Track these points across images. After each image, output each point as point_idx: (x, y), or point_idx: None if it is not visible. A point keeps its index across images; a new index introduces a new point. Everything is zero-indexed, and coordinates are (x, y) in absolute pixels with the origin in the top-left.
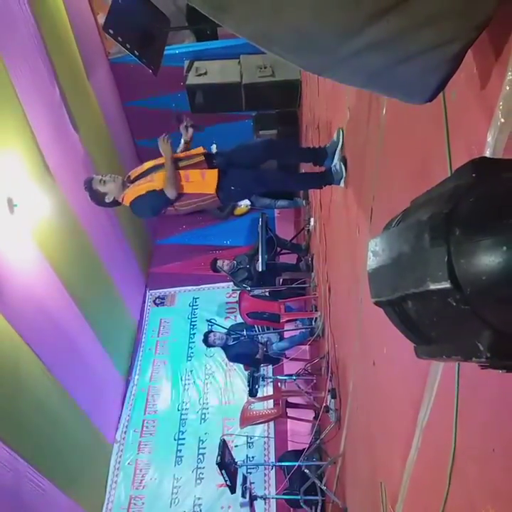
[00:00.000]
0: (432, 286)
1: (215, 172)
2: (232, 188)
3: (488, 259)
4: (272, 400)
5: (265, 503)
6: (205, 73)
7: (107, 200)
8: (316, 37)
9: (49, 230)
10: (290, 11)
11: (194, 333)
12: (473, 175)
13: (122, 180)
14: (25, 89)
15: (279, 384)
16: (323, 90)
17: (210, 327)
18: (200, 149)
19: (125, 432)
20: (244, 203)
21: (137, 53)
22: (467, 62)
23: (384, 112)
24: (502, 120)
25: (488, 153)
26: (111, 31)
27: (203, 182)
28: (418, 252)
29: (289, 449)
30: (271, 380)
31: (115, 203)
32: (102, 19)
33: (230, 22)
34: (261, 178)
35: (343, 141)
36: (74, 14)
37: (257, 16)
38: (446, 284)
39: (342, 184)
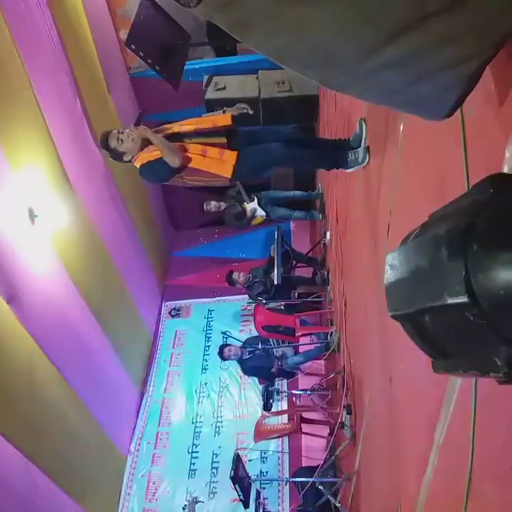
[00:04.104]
0: (450, 301)
1: (234, 155)
2: (242, 171)
3: (506, 274)
4: (286, 415)
5: None
6: (224, 88)
7: (125, 159)
8: (336, 54)
9: (68, 241)
10: (313, 28)
11: (209, 346)
12: (491, 190)
13: (142, 140)
14: (48, 103)
15: (293, 399)
16: (341, 105)
17: (225, 339)
18: (228, 119)
19: (139, 444)
20: (260, 214)
21: (158, 68)
22: (485, 78)
23: (402, 127)
24: None
25: (506, 169)
26: (133, 46)
27: (219, 162)
28: (436, 266)
29: (304, 464)
30: (285, 394)
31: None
32: (123, 35)
33: (251, 39)
34: (267, 151)
35: (366, 132)
36: (96, 30)
37: (279, 33)
38: (463, 299)
39: (351, 170)
